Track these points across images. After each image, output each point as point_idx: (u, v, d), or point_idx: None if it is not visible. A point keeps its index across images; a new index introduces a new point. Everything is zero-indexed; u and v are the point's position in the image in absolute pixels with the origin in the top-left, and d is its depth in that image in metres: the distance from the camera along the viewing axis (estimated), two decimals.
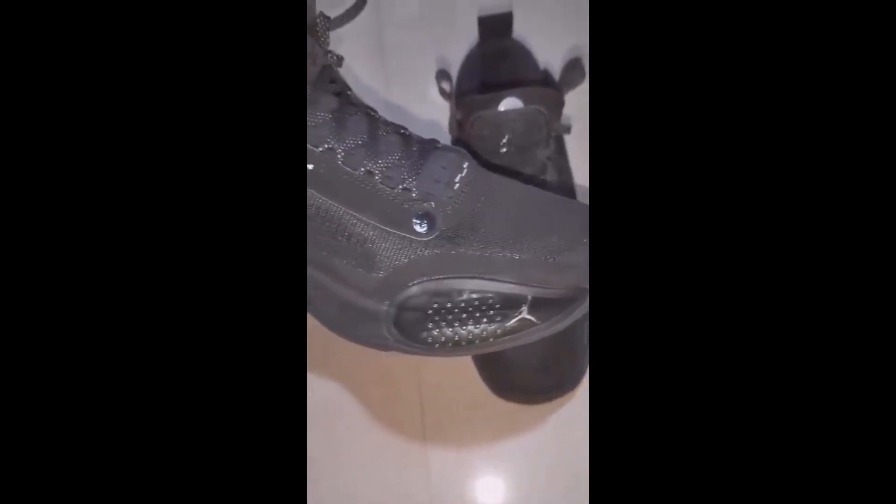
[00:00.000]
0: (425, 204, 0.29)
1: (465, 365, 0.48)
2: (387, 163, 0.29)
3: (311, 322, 0.27)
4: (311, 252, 0.29)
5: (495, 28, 0.49)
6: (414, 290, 0.28)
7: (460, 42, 0.49)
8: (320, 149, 0.28)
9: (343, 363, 0.48)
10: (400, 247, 0.29)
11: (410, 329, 0.29)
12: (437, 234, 0.29)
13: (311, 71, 0.28)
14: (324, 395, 0.48)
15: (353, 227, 0.29)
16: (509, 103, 0.40)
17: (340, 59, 0.31)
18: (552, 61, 0.49)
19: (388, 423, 0.48)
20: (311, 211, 0.28)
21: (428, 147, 0.31)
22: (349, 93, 0.32)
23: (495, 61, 0.48)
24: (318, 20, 0.29)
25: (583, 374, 0.48)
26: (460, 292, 0.28)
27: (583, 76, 0.43)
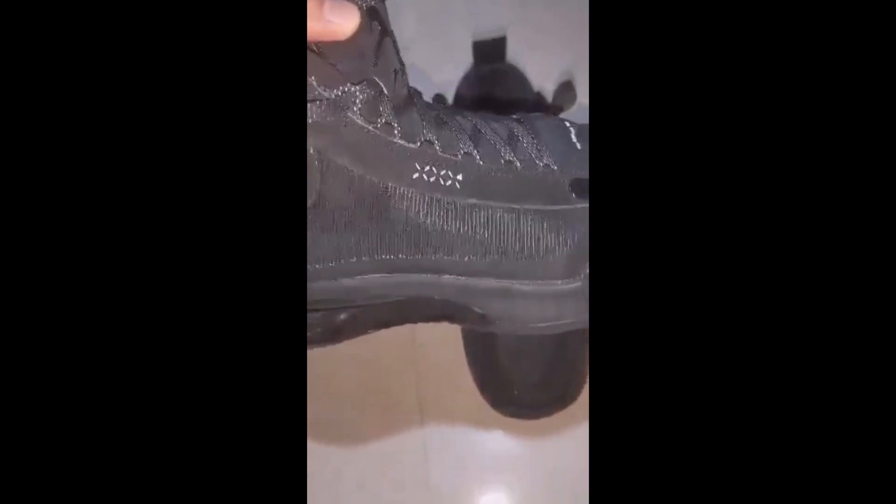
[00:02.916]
0: (569, 172, 0.29)
1: (464, 380, 0.48)
2: (514, 147, 0.29)
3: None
4: (482, 264, 0.28)
5: (490, 52, 0.50)
6: None
7: (456, 66, 0.50)
8: (459, 157, 0.28)
9: (343, 378, 0.49)
10: (571, 219, 0.28)
11: None
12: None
13: (398, 93, 0.28)
14: (324, 409, 0.49)
15: (516, 222, 0.28)
16: None
17: (403, 66, 0.30)
18: (545, 84, 0.50)
19: (388, 438, 0.48)
20: (471, 220, 0.28)
21: (525, 121, 0.31)
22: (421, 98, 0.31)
23: (490, 84, 0.49)
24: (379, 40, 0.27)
25: (581, 387, 0.49)
26: None
27: (574, 99, 0.45)
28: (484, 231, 0.28)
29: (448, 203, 0.28)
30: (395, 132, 0.27)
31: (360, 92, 0.26)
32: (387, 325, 0.30)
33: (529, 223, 0.29)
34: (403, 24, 0.51)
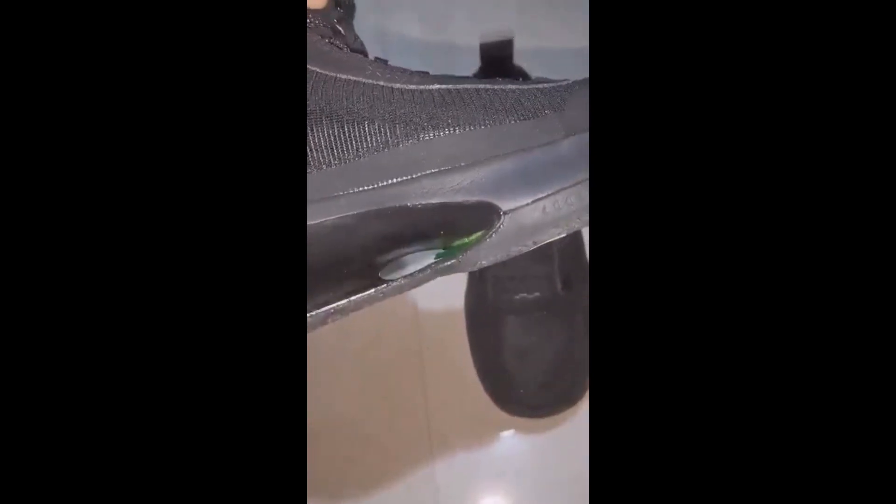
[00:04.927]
0: (539, 85, 0.29)
1: (470, 379, 0.48)
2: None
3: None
4: (470, 140, 0.27)
5: (497, 54, 0.50)
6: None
7: (462, 69, 0.51)
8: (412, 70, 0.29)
9: (348, 379, 0.49)
10: (554, 92, 0.28)
11: None
12: (567, 79, 0.28)
13: (353, 43, 0.29)
14: (330, 411, 0.49)
15: (494, 95, 0.27)
16: None
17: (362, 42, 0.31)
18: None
19: (394, 439, 0.49)
20: (444, 104, 0.27)
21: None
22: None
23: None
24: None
25: (586, 389, 0.49)
26: None
27: None
28: (462, 108, 0.27)
29: (413, 91, 0.27)
30: (344, 50, 0.28)
31: (312, 14, 0.27)
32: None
33: (509, 95, 0.27)
34: (405, 26, 0.51)
